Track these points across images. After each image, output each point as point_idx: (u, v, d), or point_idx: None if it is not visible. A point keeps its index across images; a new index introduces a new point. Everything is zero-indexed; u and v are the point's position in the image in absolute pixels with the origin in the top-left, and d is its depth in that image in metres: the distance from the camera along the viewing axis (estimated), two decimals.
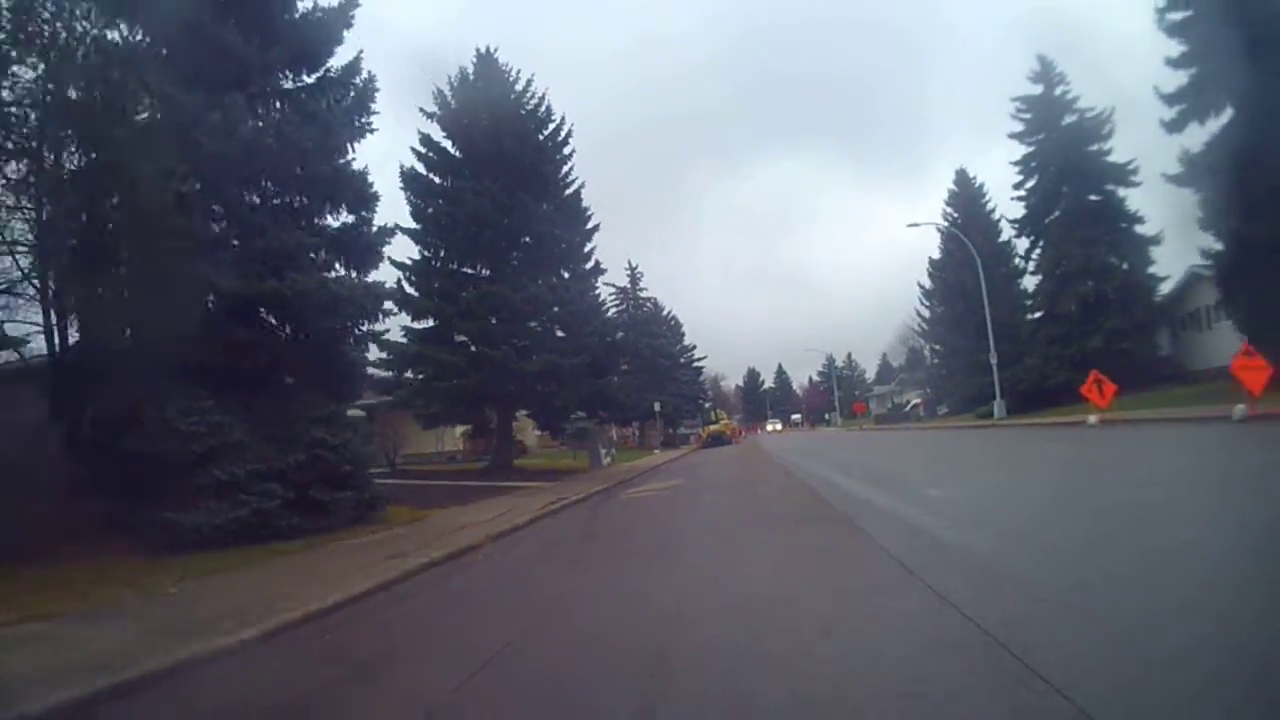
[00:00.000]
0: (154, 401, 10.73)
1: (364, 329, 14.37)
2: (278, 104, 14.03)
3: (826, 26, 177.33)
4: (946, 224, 53.74)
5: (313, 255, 13.45)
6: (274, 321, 13.19)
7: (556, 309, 29.77)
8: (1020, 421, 32.85)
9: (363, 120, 14.61)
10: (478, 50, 31.89)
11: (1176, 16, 28.09)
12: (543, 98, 31.74)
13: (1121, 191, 39.59)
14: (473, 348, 28.35)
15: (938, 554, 6.75)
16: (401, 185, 29.72)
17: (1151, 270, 38.49)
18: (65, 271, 11.86)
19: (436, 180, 30.33)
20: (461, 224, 28.86)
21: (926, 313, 59.57)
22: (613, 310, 60.25)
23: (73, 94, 12.10)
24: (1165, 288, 38.23)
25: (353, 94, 14.74)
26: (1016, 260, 47.59)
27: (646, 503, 17.21)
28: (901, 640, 4.55)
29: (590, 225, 32.50)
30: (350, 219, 14.63)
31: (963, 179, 55.29)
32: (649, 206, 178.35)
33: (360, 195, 14.50)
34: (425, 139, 30.26)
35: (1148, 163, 37.16)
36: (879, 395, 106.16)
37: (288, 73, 14.65)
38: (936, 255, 56.58)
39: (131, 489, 10.93)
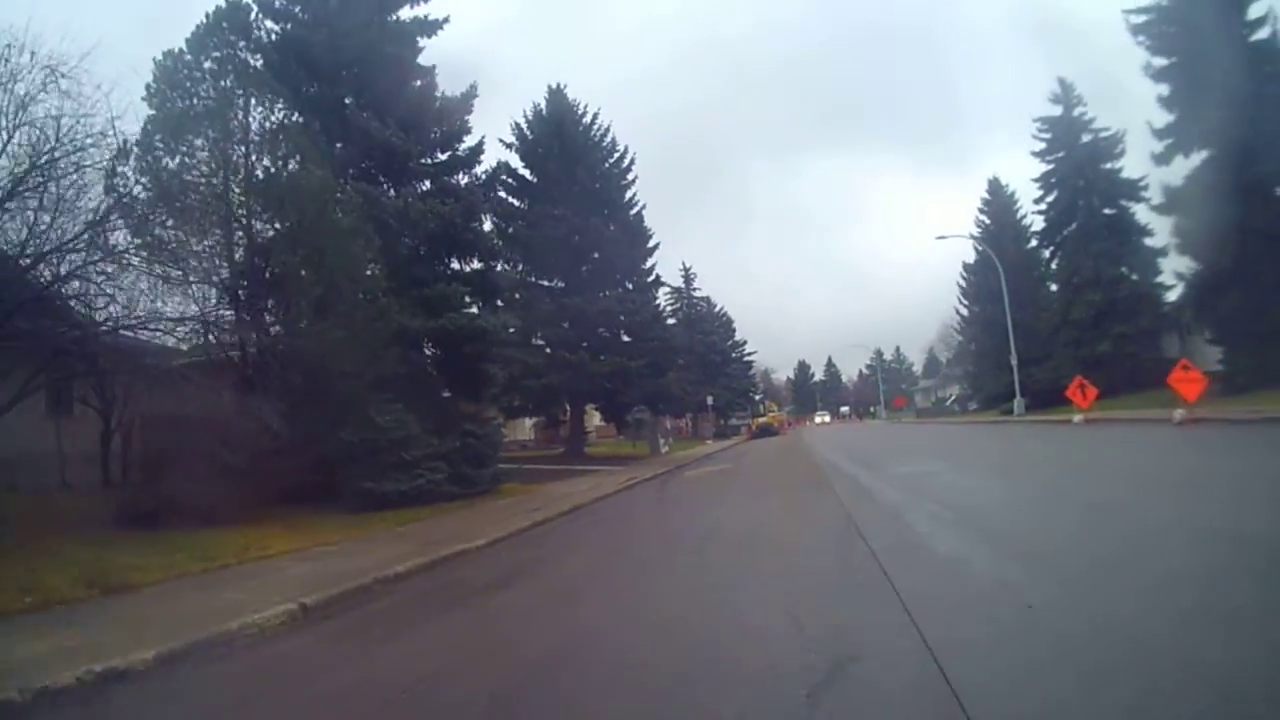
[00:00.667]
0: (359, 404, 15.88)
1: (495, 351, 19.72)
2: (428, 182, 19.29)
3: (885, 33, 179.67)
4: (974, 235, 57.52)
5: (461, 299, 18.67)
6: (435, 348, 18.39)
7: (623, 318, 34.88)
8: (1030, 419, 37.19)
9: (491, 194, 19.83)
10: (549, 87, 37.23)
11: (1162, 62, 32.32)
12: (608, 129, 37.06)
13: (1133, 207, 43.57)
14: (548, 350, 33.54)
15: (866, 500, 11.82)
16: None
17: (1160, 279, 42.33)
18: (260, 306, 17.02)
19: (515, 203, 35.44)
20: (538, 243, 33.93)
21: (965, 312, 63.71)
22: (668, 309, 65.56)
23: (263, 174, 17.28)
24: (1173, 295, 42.06)
25: (480, 170, 20.04)
26: (1043, 266, 51.62)
27: (701, 479, 22.29)
28: (825, 530, 9.52)
29: (651, 244, 37.71)
30: (480, 266, 19.89)
31: (995, 187, 59.00)
32: (706, 199, 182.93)
33: (488, 249, 19.79)
34: (506, 167, 35.13)
35: (1159, 179, 41.16)
36: (924, 389, 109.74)
37: (435, 155, 19.95)
38: (971, 259, 60.76)
39: (339, 467, 16.11)
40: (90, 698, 5.34)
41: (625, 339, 35.72)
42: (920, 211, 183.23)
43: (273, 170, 16.97)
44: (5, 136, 12.80)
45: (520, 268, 35.23)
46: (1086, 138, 45.57)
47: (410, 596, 8.58)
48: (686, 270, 74.31)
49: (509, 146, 35.79)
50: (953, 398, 77.34)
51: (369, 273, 16.06)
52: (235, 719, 5.05)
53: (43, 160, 12.94)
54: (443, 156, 20.67)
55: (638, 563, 9.85)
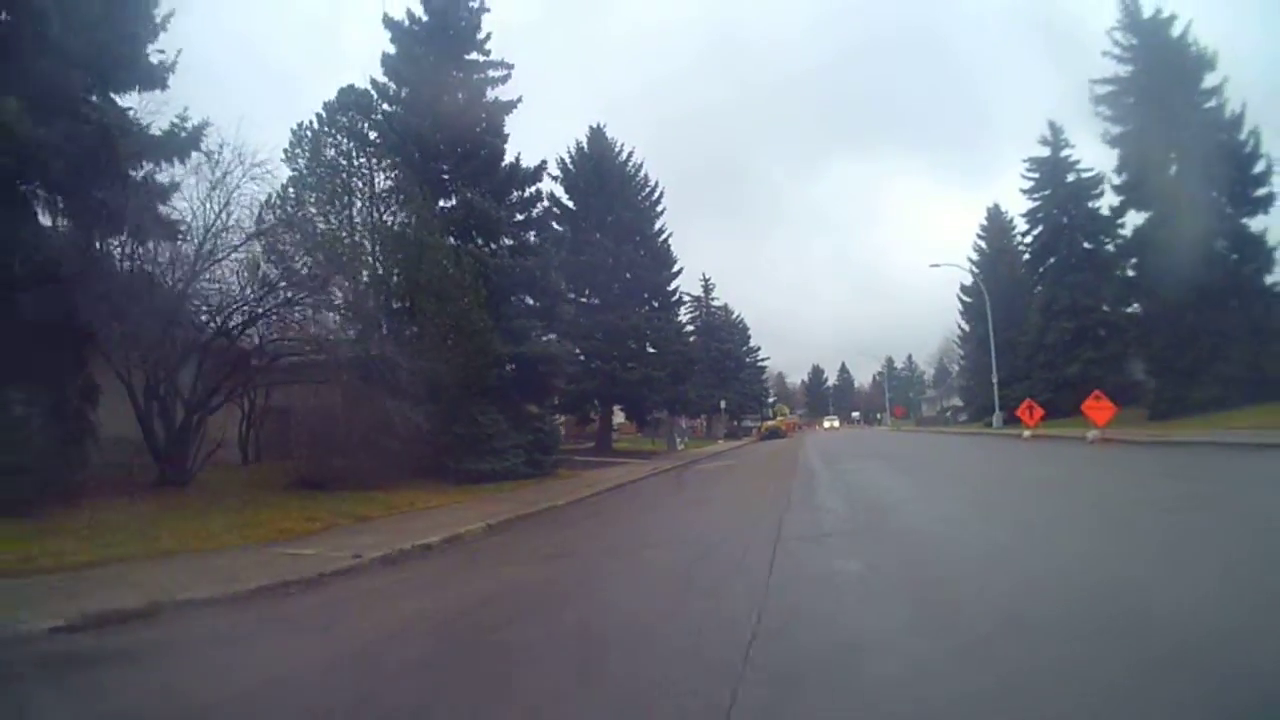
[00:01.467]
0: (466, 406, 22.11)
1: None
2: (507, 240, 25.70)
3: (904, 39, 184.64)
4: (970, 260, 63.69)
5: (534, 332, 25.09)
6: (515, 366, 24.65)
7: (649, 333, 41.16)
8: (1002, 431, 43.21)
9: (557, 252, 26.26)
10: (590, 127, 43.58)
11: (1118, 130, 38.34)
12: (640, 165, 43.48)
13: (1110, 242, 49.22)
14: (583, 358, 39.74)
15: (807, 483, 18.05)
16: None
17: (1131, 310, 47.96)
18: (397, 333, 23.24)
19: (558, 227, 41.71)
20: (578, 265, 40.08)
21: (964, 329, 69.66)
22: (687, 317, 71.99)
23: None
24: None
25: (549, 230, 26.50)
26: (1031, 292, 57.43)
27: (709, 470, 28.57)
28: (774, 496, 15.67)
29: (675, 269, 44.10)
30: (547, 303, 26.40)
31: (994, 214, 65.01)
32: (729, 199, 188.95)
33: (555, 291, 26.30)
34: (551, 196, 41.64)
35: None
36: (930, 399, 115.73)
37: (515, 216, 26.38)
38: (969, 280, 66.65)
39: (448, 451, 22.32)
40: (425, 556, 11.56)
41: (650, 350, 41.91)
42: (937, 218, 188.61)
43: (394, 226, 23.26)
44: (217, 220, 18.82)
45: (561, 285, 41.54)
46: (1070, 177, 51.30)
47: (537, 524, 14.88)
48: (706, 280, 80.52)
49: (555, 179, 42.09)
50: (950, 409, 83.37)
51: (475, 313, 22.28)
52: (494, 558, 11.28)
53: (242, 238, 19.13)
54: (520, 217, 27.16)
55: (664, 512, 16.09)
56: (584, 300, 41.67)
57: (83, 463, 15.08)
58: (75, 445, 14.98)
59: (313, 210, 22.27)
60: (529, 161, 27.18)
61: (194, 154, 17.17)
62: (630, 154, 43.51)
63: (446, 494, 19.44)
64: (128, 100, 16.77)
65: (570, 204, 42.21)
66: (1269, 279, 35.84)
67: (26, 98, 13.57)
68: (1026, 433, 33.68)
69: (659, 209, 43.84)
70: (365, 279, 21.82)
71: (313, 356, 20.59)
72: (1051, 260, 51.31)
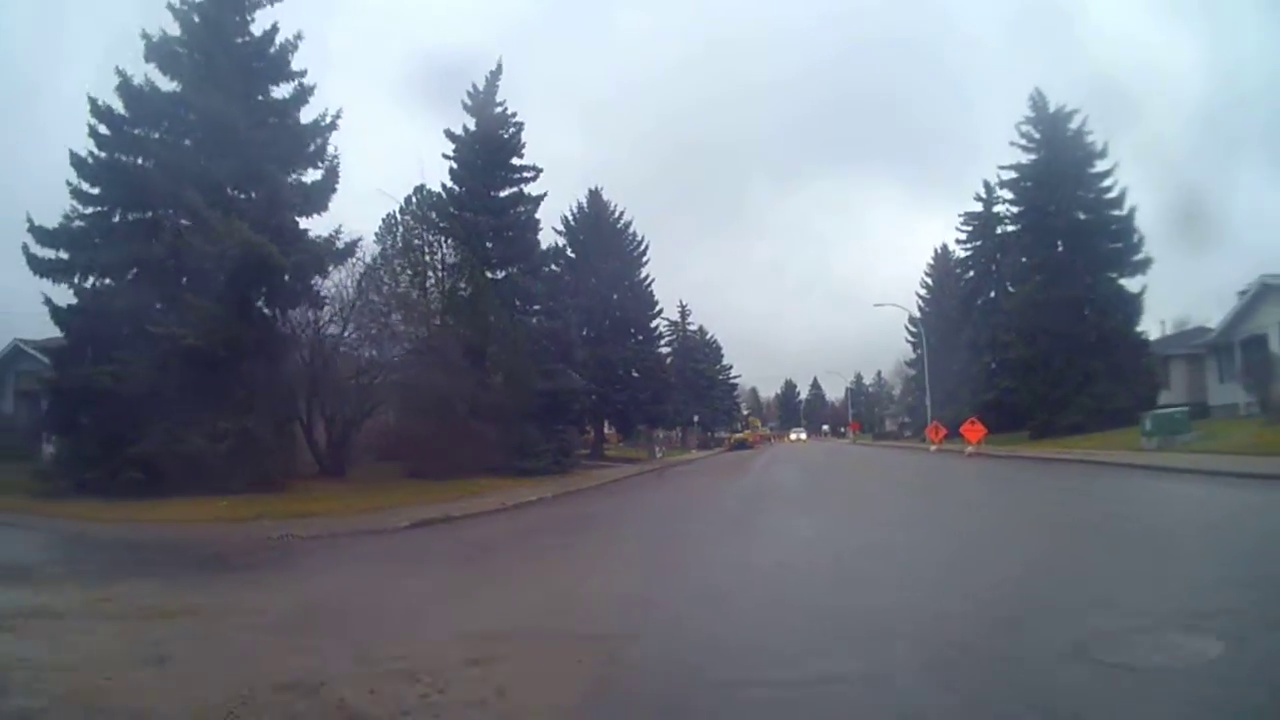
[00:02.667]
0: (516, 424, 31.97)
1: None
2: (536, 305, 35.90)
3: (883, 50, 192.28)
4: (916, 297, 74.18)
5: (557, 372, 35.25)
6: (546, 396, 34.60)
7: (635, 363, 51.33)
8: (931, 446, 53.55)
9: (571, 308, 36.61)
10: (589, 190, 53.71)
11: (1014, 210, 48.95)
12: (630, 223, 53.66)
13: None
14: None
15: (739, 480, 28.23)
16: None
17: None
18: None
19: (555, 269, 51.79)
20: (577, 306, 50.13)
21: (913, 354, 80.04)
22: (666, 339, 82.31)
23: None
24: None
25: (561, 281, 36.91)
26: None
27: (683, 472, 38.74)
28: (721, 487, 25.74)
29: (657, 309, 54.57)
30: (565, 349, 36.65)
31: (941, 254, 75.22)
32: (699, 216, 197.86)
33: (571, 341, 36.58)
34: (556, 247, 51.61)
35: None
36: (892, 414, 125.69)
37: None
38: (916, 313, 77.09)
39: (504, 454, 32.16)
40: (534, 505, 21.50)
41: (635, 375, 51.98)
42: (911, 239, 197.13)
43: (460, 291, 33.21)
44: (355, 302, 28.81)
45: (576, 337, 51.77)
46: (1000, 230, 61.61)
47: (579, 495, 24.87)
48: (683, 306, 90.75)
49: (559, 234, 52.22)
50: (901, 425, 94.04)
51: (524, 361, 32.25)
52: (570, 506, 21.21)
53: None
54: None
55: (652, 491, 26.13)
56: (582, 334, 51.63)
57: (292, 460, 25.02)
58: (288, 450, 24.94)
59: (401, 281, 32.29)
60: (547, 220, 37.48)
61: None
62: (621, 213, 53.89)
63: (511, 481, 29.25)
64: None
65: (571, 254, 52.15)
66: (1139, 328, 46.69)
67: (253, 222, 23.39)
68: (933, 447, 44.10)
69: (644, 259, 54.29)
70: (439, 331, 31.76)
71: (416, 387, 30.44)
72: (979, 302, 61.75)
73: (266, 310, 25.62)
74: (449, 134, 36.54)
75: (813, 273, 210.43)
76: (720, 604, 8.35)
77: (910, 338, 77.92)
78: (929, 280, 75.46)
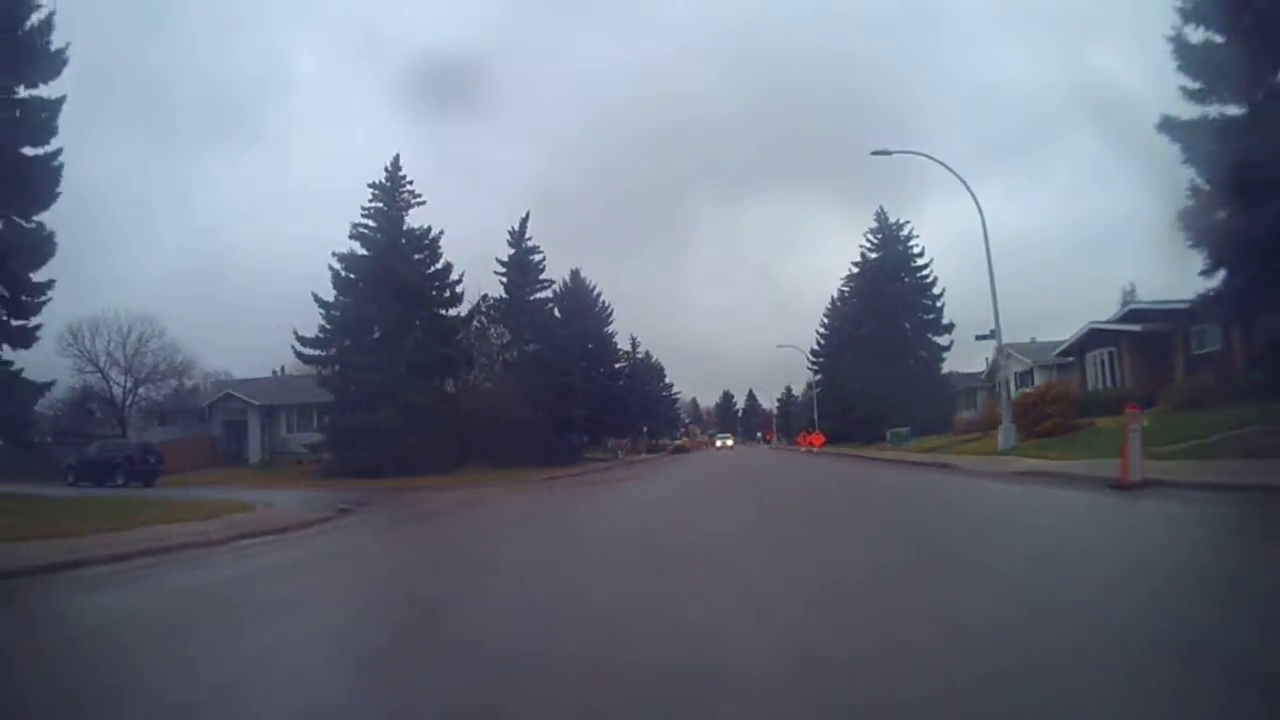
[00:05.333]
0: (553, 433, 57.66)
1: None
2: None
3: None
4: (815, 334, 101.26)
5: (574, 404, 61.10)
6: (568, 419, 59.97)
7: (601, 394, 77.47)
8: (815, 451, 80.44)
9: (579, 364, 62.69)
10: (572, 271, 79.64)
11: (854, 302, 76.20)
12: (600, 294, 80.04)
13: None
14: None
15: (680, 472, 54.86)
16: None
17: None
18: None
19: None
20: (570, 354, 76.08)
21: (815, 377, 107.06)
22: (621, 363, 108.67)
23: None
24: None
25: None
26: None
27: (638, 468, 64.64)
28: (662, 475, 52.08)
29: (620, 352, 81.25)
30: (574, 387, 62.60)
31: (833, 307, 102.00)
32: (640, 227, 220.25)
33: (579, 386, 62.60)
34: (551, 312, 77.42)
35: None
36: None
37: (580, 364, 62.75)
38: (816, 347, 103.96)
39: (539, 454, 57.80)
40: (591, 477, 47.51)
41: (604, 401, 78.00)
42: (843, 249, 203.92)
43: (509, 359, 59.08)
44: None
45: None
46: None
47: (596, 477, 50.73)
48: (634, 339, 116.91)
49: (546, 304, 77.72)
50: None
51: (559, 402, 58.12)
52: (611, 476, 47.19)
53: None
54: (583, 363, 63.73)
55: (624, 478, 52.01)
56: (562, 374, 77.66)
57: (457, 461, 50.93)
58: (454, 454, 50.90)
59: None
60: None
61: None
62: (595, 286, 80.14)
63: (556, 469, 54.47)
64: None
65: (558, 315, 77.99)
66: (944, 369, 74.42)
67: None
68: (814, 449, 70.78)
69: (610, 319, 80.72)
70: (500, 384, 57.45)
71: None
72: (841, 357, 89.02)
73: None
74: (500, 260, 62.68)
75: (752, 286, 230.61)
76: (697, 487, 34.33)
77: (810, 365, 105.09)
78: (825, 320, 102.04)
